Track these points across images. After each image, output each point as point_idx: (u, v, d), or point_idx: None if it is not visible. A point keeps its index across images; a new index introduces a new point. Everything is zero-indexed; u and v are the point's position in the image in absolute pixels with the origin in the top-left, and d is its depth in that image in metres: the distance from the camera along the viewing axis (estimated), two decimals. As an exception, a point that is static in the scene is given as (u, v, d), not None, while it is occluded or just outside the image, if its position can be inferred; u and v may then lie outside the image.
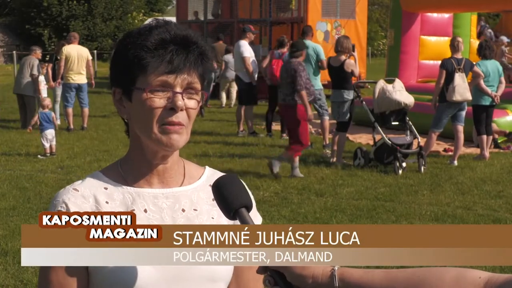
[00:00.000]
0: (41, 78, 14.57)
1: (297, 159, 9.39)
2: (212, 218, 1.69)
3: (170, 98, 1.57)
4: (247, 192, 1.50)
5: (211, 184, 1.54)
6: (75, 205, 1.59)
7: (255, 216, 1.74)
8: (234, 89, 17.76)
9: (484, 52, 10.91)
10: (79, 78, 13.85)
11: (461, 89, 10.01)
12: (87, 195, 1.62)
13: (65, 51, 13.70)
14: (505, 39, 17.28)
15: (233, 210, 1.45)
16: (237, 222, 1.46)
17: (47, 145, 11.02)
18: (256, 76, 13.22)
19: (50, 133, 11.06)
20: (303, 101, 9.03)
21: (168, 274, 1.58)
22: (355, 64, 10.68)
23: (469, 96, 10.15)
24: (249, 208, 1.47)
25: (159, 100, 1.57)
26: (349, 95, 10.44)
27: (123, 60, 1.61)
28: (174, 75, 1.57)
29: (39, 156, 11.00)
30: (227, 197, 1.46)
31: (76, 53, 13.78)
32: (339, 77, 10.47)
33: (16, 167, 10.22)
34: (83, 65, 13.86)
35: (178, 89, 1.58)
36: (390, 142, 9.88)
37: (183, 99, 1.58)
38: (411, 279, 1.33)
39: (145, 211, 1.63)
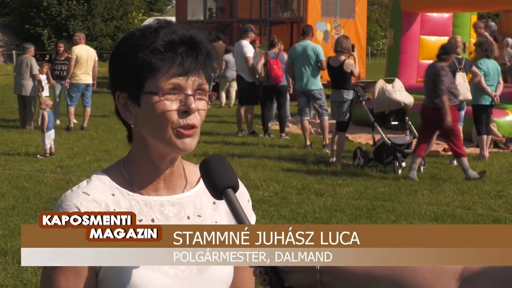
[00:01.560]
0: (43, 77, 14.60)
1: (466, 160, 9.29)
2: (216, 222, 1.69)
3: (182, 101, 1.54)
4: (234, 172, 1.49)
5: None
6: (87, 210, 1.55)
7: (250, 215, 1.73)
8: (234, 88, 17.74)
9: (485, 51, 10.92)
10: (87, 78, 14.09)
11: (462, 88, 10.03)
12: (98, 199, 1.59)
13: (76, 51, 13.95)
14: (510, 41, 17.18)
15: (220, 190, 1.44)
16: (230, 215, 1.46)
17: (48, 145, 11.02)
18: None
19: (53, 133, 11.10)
20: (443, 105, 8.96)
21: (179, 282, 1.58)
22: (355, 64, 10.68)
23: (469, 96, 10.17)
24: (235, 189, 1.46)
25: (171, 104, 1.54)
26: (349, 95, 10.46)
27: (129, 64, 1.56)
28: (185, 77, 1.54)
29: (38, 156, 10.99)
30: (214, 177, 1.46)
31: (86, 54, 14.07)
32: (339, 77, 10.48)
33: (16, 167, 10.22)
34: (91, 65, 14.10)
35: (189, 91, 1.55)
36: (389, 142, 9.89)
37: (195, 101, 1.55)
38: (391, 266, 1.33)
39: (152, 220, 1.61)
